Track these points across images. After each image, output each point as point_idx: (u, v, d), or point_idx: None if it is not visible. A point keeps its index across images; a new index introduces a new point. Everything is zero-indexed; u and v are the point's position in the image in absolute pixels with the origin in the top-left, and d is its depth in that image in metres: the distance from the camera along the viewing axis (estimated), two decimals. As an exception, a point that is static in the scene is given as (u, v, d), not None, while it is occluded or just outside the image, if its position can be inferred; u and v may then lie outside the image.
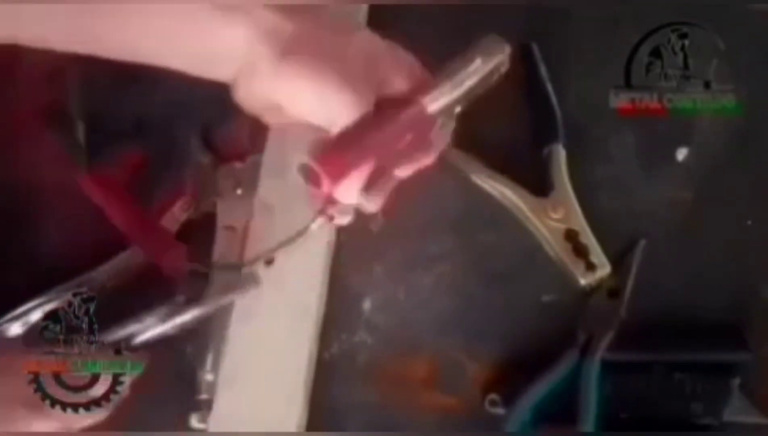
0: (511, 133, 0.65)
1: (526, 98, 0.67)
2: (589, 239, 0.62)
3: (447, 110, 0.52)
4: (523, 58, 0.67)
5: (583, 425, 0.58)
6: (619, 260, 0.63)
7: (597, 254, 0.62)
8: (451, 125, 0.55)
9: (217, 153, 0.69)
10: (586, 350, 0.60)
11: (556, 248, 0.62)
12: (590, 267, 0.62)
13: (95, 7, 0.48)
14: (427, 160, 0.54)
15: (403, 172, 0.53)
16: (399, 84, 0.52)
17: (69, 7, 0.47)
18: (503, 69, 0.55)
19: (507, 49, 0.54)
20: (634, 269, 0.62)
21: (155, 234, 0.65)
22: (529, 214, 0.63)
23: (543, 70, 0.66)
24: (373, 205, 0.53)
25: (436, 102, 0.51)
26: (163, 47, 0.50)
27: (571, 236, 0.62)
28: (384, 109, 0.50)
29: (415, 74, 0.52)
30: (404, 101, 0.51)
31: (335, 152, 0.48)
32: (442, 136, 0.54)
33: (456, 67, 0.53)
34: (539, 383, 0.60)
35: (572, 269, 0.62)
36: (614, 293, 0.62)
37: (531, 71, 0.66)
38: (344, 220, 0.54)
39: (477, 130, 0.64)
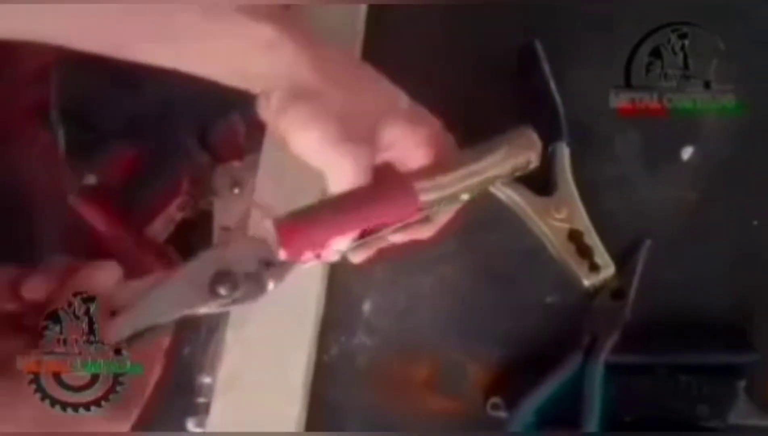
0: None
1: (529, 96, 0.66)
2: (593, 239, 0.61)
3: (450, 198, 0.51)
4: (526, 56, 0.66)
5: (586, 428, 0.57)
6: (623, 260, 0.62)
7: (601, 255, 0.61)
8: (457, 206, 0.54)
9: (214, 152, 0.68)
10: (590, 353, 0.59)
11: (559, 248, 0.62)
12: (594, 268, 0.61)
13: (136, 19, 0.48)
14: (425, 233, 0.54)
15: (397, 238, 0.53)
16: (411, 153, 0.52)
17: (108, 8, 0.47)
18: (531, 166, 0.53)
19: (538, 147, 0.53)
20: (638, 270, 0.62)
21: (142, 250, 0.65)
22: (532, 214, 0.63)
23: (546, 67, 0.65)
24: (357, 257, 0.53)
25: (434, 191, 0.50)
26: (203, 61, 0.50)
27: (574, 236, 0.62)
28: (371, 188, 0.49)
29: (432, 144, 0.52)
30: (398, 182, 0.50)
31: (300, 226, 0.47)
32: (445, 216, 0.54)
33: (473, 157, 0.51)
34: (542, 386, 0.59)
35: (576, 270, 0.61)
36: (619, 294, 0.61)
37: (534, 69, 0.65)
38: (333, 258, 0.52)
39: (481, 129, 0.64)
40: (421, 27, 0.69)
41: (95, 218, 0.65)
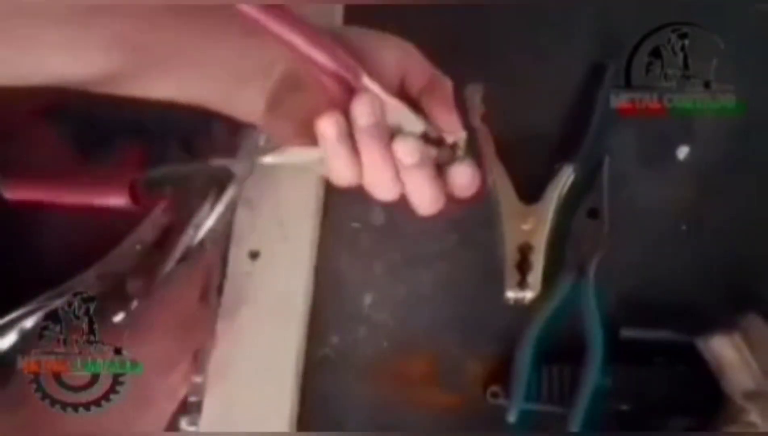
0: (542, 135, 0.66)
1: (575, 109, 0.67)
2: (538, 260, 0.61)
3: None
4: (595, 73, 0.66)
5: (591, 345, 0.59)
6: (589, 180, 0.63)
7: (536, 277, 0.61)
8: None
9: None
10: (580, 271, 0.61)
11: (506, 252, 0.62)
12: (523, 285, 0.61)
13: None
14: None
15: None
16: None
17: None
18: None
19: None
20: (605, 186, 0.63)
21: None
22: (504, 211, 0.63)
23: (603, 93, 0.65)
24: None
25: None
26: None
27: (524, 249, 0.62)
28: None
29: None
30: None
31: None
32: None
33: None
34: (540, 313, 0.61)
35: (506, 278, 0.61)
36: (594, 213, 0.63)
37: (590, 88, 0.66)
38: None
39: (513, 118, 0.66)
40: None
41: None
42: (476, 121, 0.65)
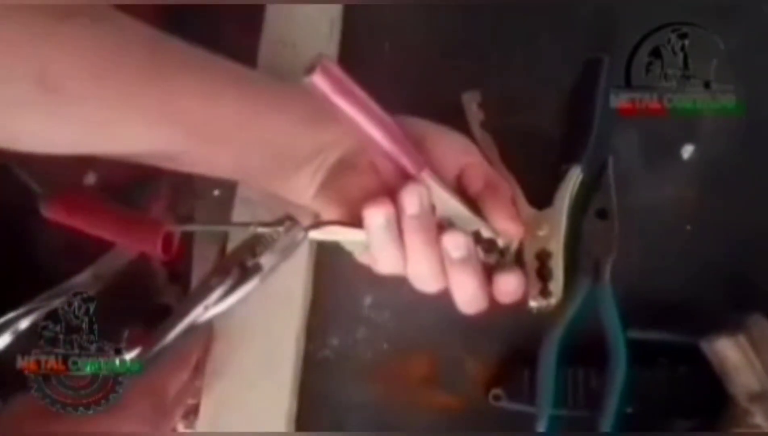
0: (546, 138, 0.65)
1: (573, 108, 0.66)
2: (557, 265, 0.60)
3: None
4: (590, 68, 0.65)
5: (614, 348, 0.58)
6: (595, 182, 0.63)
7: (557, 284, 0.60)
8: None
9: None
10: (595, 275, 0.60)
11: (525, 262, 0.61)
12: (545, 293, 0.60)
13: None
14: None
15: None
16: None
17: None
18: None
19: None
20: (612, 186, 0.62)
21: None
22: None
23: (600, 88, 0.64)
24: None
25: None
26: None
27: (542, 256, 0.60)
28: None
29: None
30: None
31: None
32: None
33: None
34: (559, 320, 0.60)
35: (528, 288, 0.60)
36: (602, 213, 0.62)
37: (587, 84, 0.65)
38: None
39: (514, 121, 0.66)
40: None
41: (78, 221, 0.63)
42: (476, 130, 0.64)
